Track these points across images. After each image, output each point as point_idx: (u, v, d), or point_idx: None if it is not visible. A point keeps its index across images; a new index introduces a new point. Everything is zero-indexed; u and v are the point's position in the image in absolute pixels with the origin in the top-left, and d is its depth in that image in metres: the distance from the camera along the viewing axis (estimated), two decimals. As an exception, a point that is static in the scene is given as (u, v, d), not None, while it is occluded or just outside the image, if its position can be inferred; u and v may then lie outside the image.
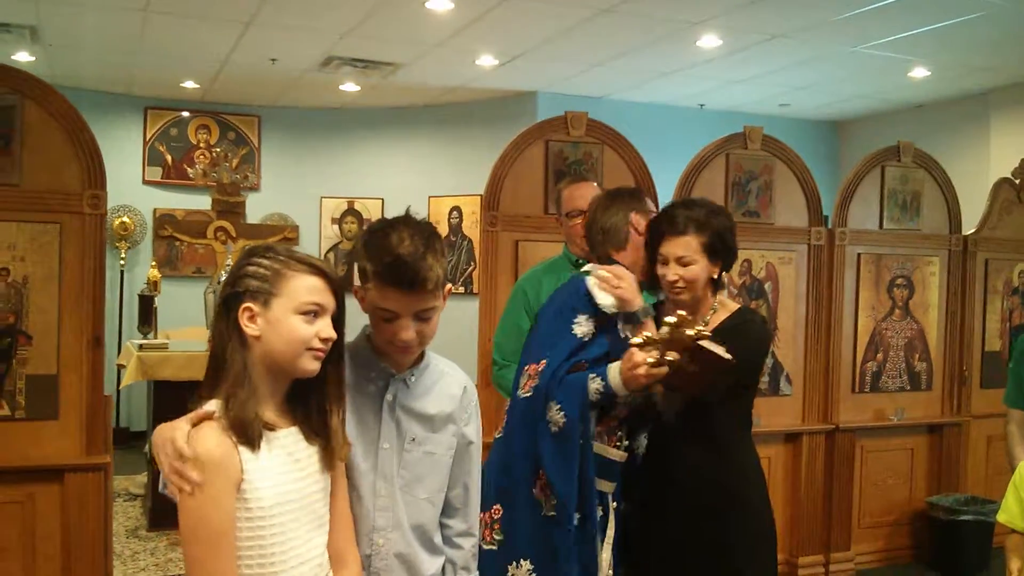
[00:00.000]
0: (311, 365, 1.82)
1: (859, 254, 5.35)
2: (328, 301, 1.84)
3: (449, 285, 2.09)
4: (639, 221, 2.86)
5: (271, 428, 1.80)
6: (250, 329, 1.78)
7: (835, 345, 5.22)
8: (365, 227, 2.10)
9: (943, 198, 5.60)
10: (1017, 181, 5.86)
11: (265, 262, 1.81)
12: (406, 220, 2.03)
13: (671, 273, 2.72)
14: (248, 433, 1.74)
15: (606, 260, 2.84)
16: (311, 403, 1.88)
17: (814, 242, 5.21)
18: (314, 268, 1.84)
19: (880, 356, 5.40)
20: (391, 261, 1.95)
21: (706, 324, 2.73)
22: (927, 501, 5.41)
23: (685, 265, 2.71)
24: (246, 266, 1.81)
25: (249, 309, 1.78)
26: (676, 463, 2.77)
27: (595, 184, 3.57)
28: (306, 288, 1.80)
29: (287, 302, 1.79)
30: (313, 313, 1.81)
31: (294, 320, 1.79)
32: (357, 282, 2.06)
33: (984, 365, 5.72)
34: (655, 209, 2.97)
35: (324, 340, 1.82)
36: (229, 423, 1.73)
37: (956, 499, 5.38)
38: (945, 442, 5.55)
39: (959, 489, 5.55)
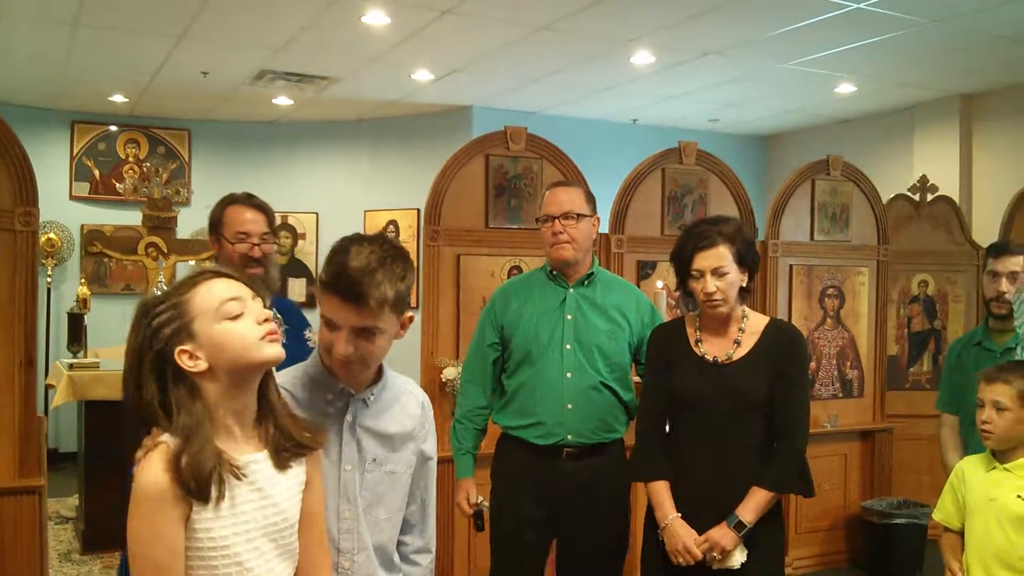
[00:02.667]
0: (271, 351, 1.74)
1: (791, 265, 5.47)
2: (239, 290, 1.76)
3: (410, 313, 2.05)
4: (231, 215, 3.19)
5: (235, 468, 1.71)
6: (198, 366, 1.70)
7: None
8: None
9: (871, 210, 5.76)
10: (916, 197, 6.11)
11: (160, 307, 1.72)
12: (375, 238, 2.02)
13: (710, 285, 2.78)
14: (203, 487, 1.65)
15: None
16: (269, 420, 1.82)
17: (748, 252, 5.31)
18: (202, 275, 1.76)
19: (813, 365, 5.52)
20: (336, 271, 1.94)
21: (742, 332, 2.88)
22: (861, 505, 5.54)
23: (721, 276, 2.79)
24: (149, 323, 1.72)
25: (184, 351, 1.69)
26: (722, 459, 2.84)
27: (575, 188, 3.25)
28: (210, 294, 1.73)
29: (205, 317, 1.71)
30: (236, 311, 1.73)
31: (224, 326, 1.71)
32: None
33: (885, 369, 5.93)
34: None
35: (264, 321, 1.75)
36: (182, 478, 1.63)
37: (889, 503, 5.51)
38: (877, 447, 5.69)
39: (891, 493, 5.69)
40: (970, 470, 2.97)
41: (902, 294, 6.11)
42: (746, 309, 2.93)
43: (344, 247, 1.98)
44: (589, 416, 3.13)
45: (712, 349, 2.88)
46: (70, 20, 5.66)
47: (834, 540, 5.61)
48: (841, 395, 5.62)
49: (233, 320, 1.73)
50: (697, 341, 2.91)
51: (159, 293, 1.80)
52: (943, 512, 3.02)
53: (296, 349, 2.67)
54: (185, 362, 1.70)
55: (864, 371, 5.70)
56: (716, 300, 2.80)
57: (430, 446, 2.22)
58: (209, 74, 7.06)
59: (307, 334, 3.18)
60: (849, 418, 5.65)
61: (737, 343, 2.87)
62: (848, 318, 5.65)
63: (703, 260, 2.80)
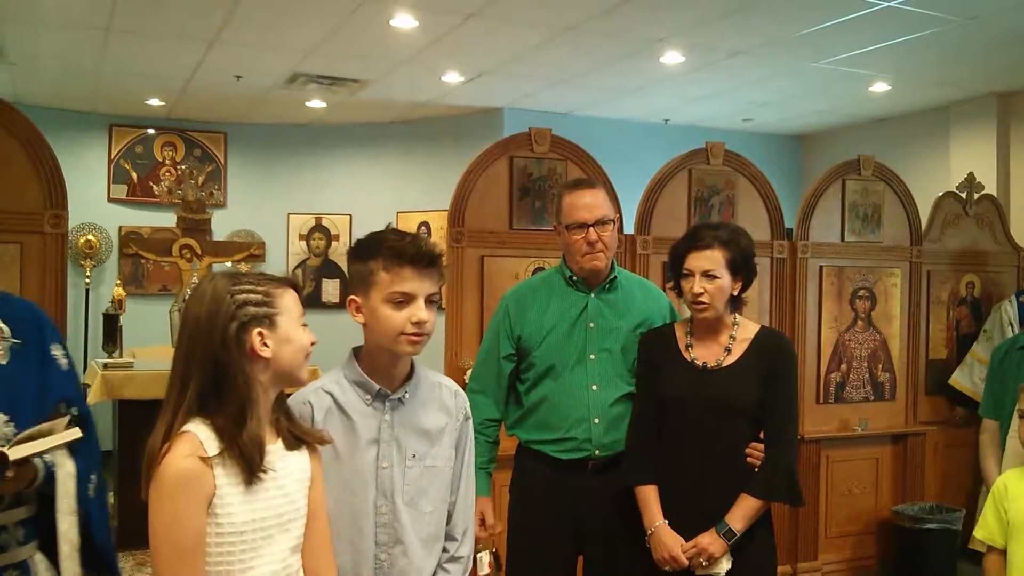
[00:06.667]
0: (304, 374, 1.93)
1: (821, 267, 5.41)
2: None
3: None
4: None
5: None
6: (265, 352, 1.82)
7: (799, 357, 5.25)
8: (354, 242, 2.21)
9: (903, 210, 5.68)
10: (963, 195, 5.98)
11: (250, 287, 1.85)
12: (394, 228, 2.18)
13: (697, 285, 2.80)
14: (253, 465, 1.78)
15: None
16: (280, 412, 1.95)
17: (777, 255, 5.27)
18: (291, 283, 1.94)
19: (844, 367, 5.46)
20: (411, 240, 2.10)
21: (733, 339, 2.87)
22: (892, 510, 5.46)
23: (711, 279, 2.80)
24: (236, 295, 1.82)
25: (261, 333, 1.82)
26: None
27: (601, 190, 3.06)
28: (295, 301, 1.91)
29: (289, 318, 1.87)
30: (304, 323, 1.92)
31: (300, 332, 1.89)
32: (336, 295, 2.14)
33: (928, 373, 5.81)
34: None
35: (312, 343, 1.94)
36: (243, 451, 1.76)
37: (921, 507, 5.44)
38: (909, 451, 5.61)
39: (923, 498, 5.61)
40: (1013, 483, 2.80)
41: (952, 296, 5.92)
42: (738, 317, 2.93)
43: (382, 233, 2.14)
44: (616, 429, 2.97)
45: (703, 355, 2.88)
46: (103, 26, 5.75)
47: (865, 545, 5.54)
48: (873, 398, 5.54)
49: (305, 329, 1.92)
50: (688, 346, 2.91)
51: (234, 270, 1.91)
52: (986, 530, 2.84)
53: (29, 370, 2.21)
54: (257, 343, 1.82)
55: (896, 374, 5.63)
56: (702, 302, 2.80)
57: (470, 425, 2.33)
58: (242, 78, 7.14)
59: (54, 351, 2.34)
60: (881, 422, 5.57)
61: (728, 350, 2.87)
62: (880, 320, 5.57)
63: (694, 260, 2.83)
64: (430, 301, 2.11)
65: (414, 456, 2.17)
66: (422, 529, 2.18)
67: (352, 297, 2.14)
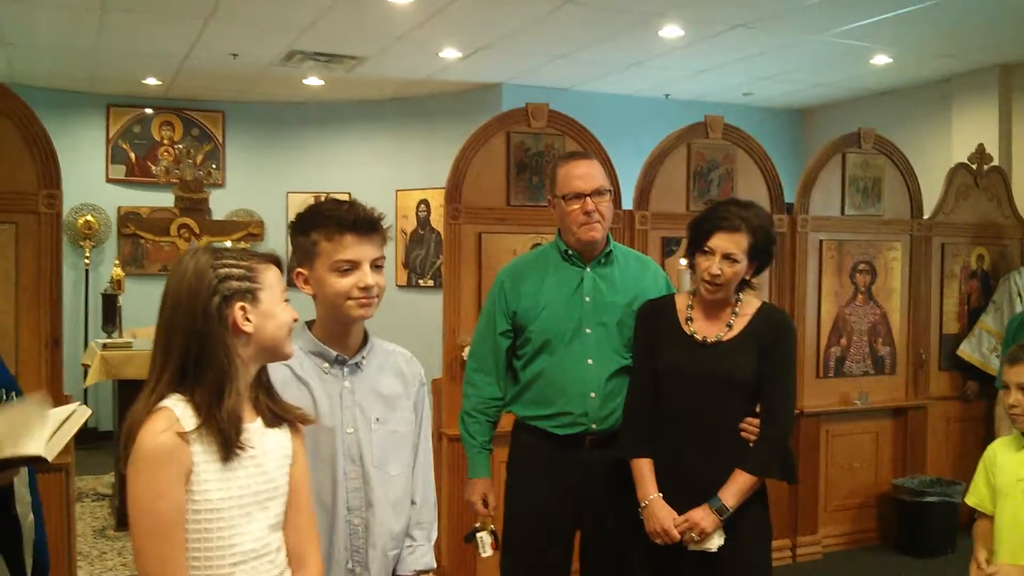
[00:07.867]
0: (290, 348, 1.93)
1: (821, 240, 5.39)
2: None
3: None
4: None
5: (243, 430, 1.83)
6: (247, 326, 1.82)
7: (799, 331, 5.24)
8: (295, 216, 2.24)
9: (904, 184, 5.65)
10: (974, 167, 5.93)
11: (233, 261, 1.84)
12: (332, 199, 2.22)
13: (715, 266, 2.76)
14: (229, 441, 1.76)
15: None
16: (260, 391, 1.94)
17: (776, 229, 5.22)
18: (274, 259, 1.94)
19: (844, 341, 5.45)
20: (349, 208, 2.12)
21: (735, 315, 2.85)
22: (892, 483, 5.47)
23: (732, 262, 2.76)
24: (218, 269, 1.82)
25: (243, 308, 1.82)
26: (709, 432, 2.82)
27: (596, 161, 3.03)
28: (277, 278, 1.90)
29: (271, 293, 1.86)
30: (287, 298, 1.92)
31: (282, 308, 1.88)
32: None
33: (942, 348, 5.80)
34: None
35: (295, 320, 1.95)
36: (220, 426, 1.75)
37: (921, 481, 5.45)
38: (910, 425, 5.61)
39: (923, 471, 5.61)
40: (1001, 451, 2.88)
41: (964, 269, 5.91)
42: (741, 295, 2.89)
43: (322, 205, 2.16)
44: (613, 403, 2.95)
45: (702, 329, 2.85)
46: (97, 4, 5.70)
47: (865, 518, 5.55)
48: (872, 372, 5.54)
49: (286, 304, 1.91)
50: (688, 319, 2.88)
51: (217, 246, 1.90)
52: (976, 495, 2.92)
53: None
54: (239, 317, 1.82)
55: (897, 348, 5.62)
56: (717, 283, 2.77)
57: (424, 392, 2.35)
58: (239, 56, 7.09)
59: None
60: (881, 395, 5.57)
61: (729, 326, 2.84)
62: (880, 294, 5.56)
63: (719, 240, 2.76)
64: (376, 266, 2.14)
65: (377, 420, 2.20)
66: (391, 491, 2.22)
67: (299, 270, 2.16)
